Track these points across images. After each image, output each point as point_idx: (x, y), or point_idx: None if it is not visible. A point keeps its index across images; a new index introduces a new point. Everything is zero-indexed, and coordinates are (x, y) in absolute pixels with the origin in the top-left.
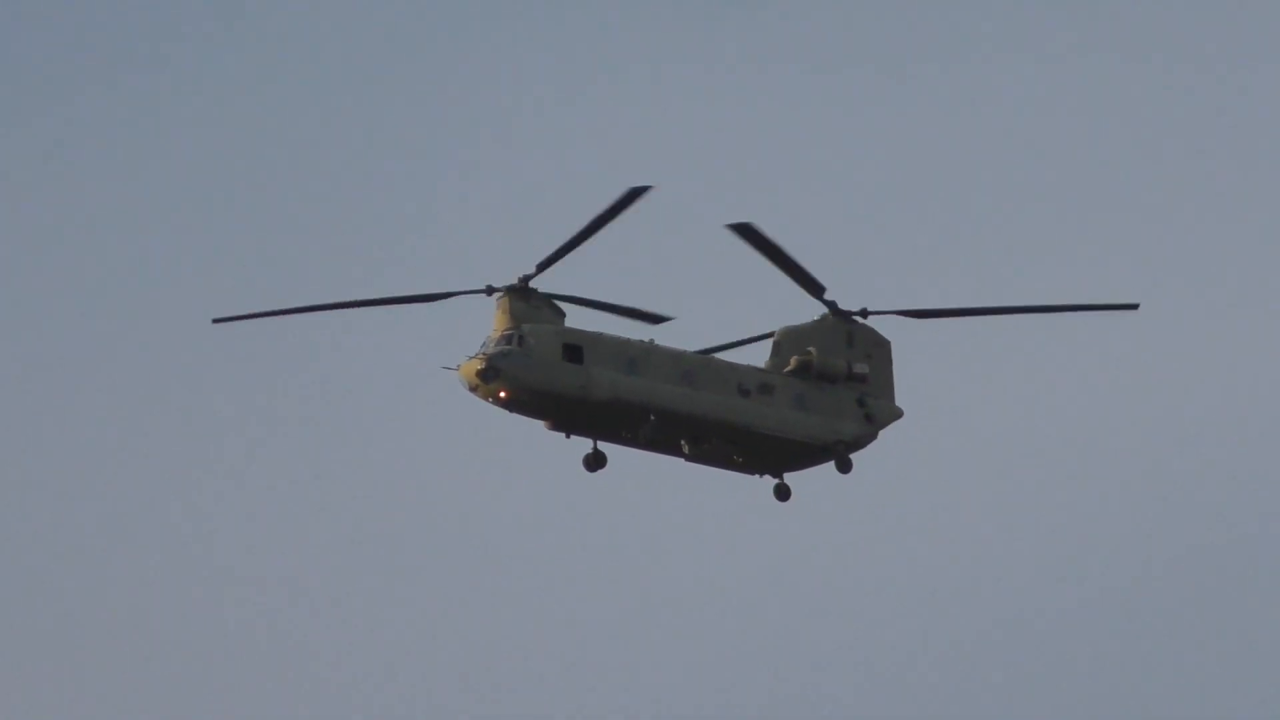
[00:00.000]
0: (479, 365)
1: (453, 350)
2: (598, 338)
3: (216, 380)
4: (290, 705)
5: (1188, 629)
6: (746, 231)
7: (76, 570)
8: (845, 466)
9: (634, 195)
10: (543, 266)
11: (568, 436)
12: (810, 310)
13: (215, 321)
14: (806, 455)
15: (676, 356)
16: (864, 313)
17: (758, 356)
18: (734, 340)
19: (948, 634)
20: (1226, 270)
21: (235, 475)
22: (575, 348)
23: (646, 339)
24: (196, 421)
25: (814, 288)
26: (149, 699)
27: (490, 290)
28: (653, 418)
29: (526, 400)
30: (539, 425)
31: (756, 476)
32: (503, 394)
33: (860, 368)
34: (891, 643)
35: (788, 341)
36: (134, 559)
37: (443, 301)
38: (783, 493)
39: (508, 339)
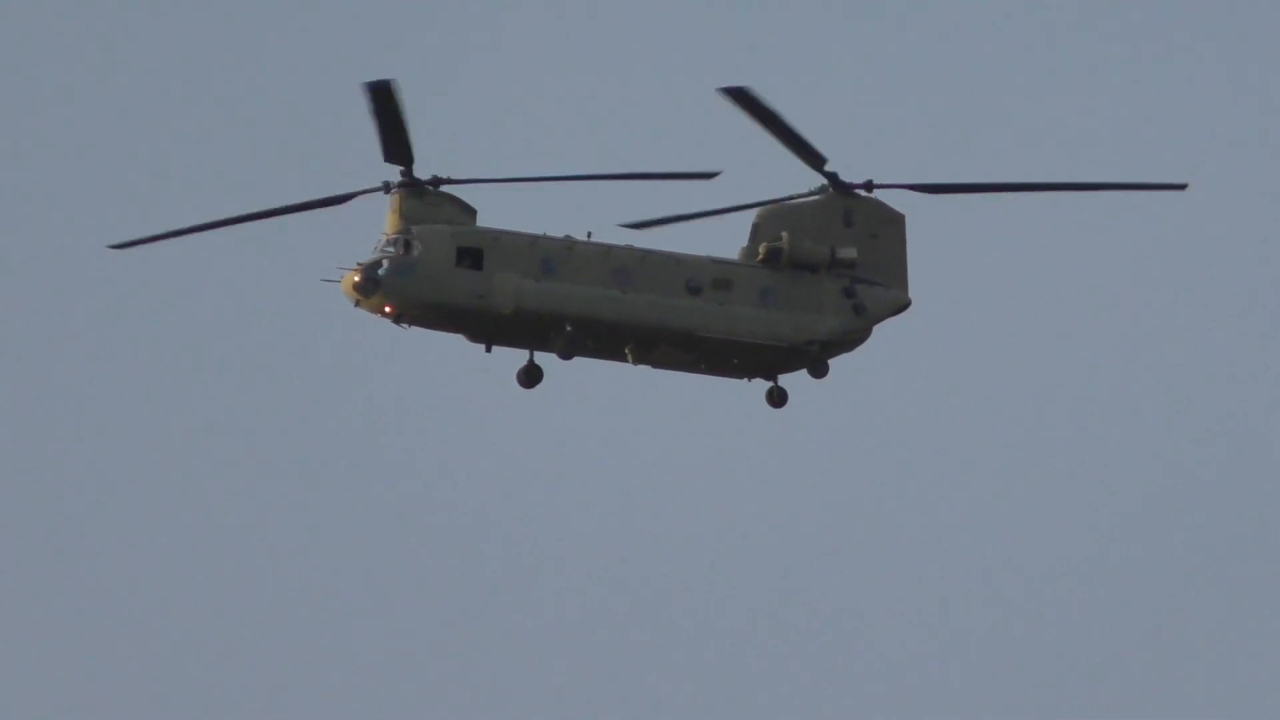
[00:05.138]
0: (355, 277)
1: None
2: (501, 236)
3: (116, 307)
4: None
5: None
6: (741, 96)
7: None
8: (819, 371)
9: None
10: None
11: (488, 350)
12: (809, 184)
13: (112, 248)
14: (776, 359)
15: (606, 252)
16: (869, 186)
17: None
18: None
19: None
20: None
21: (140, 405)
22: (474, 250)
23: (586, 234)
24: (99, 349)
25: (814, 158)
26: None
27: (387, 187)
28: (568, 328)
29: (419, 314)
30: (459, 339)
31: (745, 380)
32: (387, 309)
33: (847, 252)
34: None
35: (766, 223)
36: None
37: (350, 205)
38: (777, 397)
39: (392, 244)
